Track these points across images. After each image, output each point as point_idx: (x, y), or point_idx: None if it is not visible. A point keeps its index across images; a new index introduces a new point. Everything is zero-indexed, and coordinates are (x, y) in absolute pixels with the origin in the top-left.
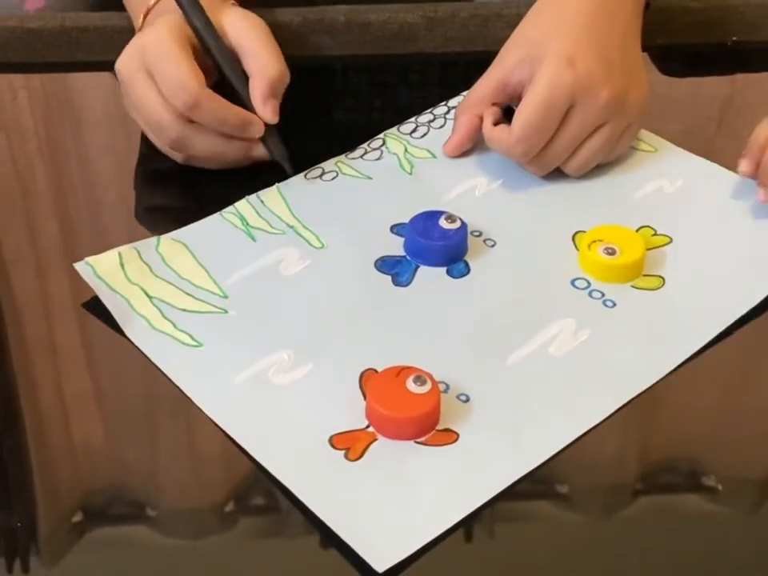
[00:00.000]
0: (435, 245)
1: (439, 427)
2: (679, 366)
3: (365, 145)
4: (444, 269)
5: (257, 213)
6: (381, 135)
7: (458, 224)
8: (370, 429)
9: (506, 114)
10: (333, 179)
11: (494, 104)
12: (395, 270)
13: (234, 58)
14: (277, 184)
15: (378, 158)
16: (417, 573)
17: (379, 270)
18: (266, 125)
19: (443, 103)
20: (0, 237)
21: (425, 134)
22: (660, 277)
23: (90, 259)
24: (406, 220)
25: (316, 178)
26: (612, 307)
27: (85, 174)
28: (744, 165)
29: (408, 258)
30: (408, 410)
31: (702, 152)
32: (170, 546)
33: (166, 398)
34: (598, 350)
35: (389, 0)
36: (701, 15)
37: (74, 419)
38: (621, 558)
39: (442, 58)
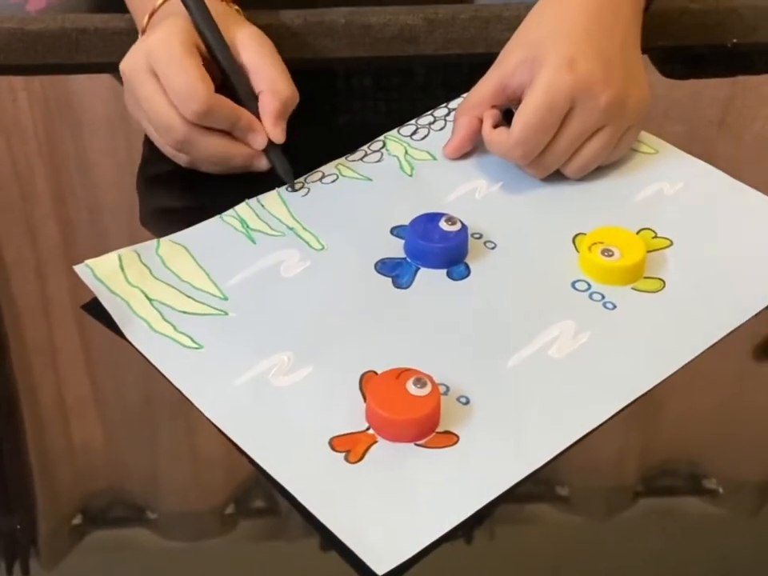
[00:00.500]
0: (435, 247)
1: (439, 429)
2: (679, 369)
3: (365, 147)
4: (444, 271)
5: (257, 215)
6: (381, 137)
7: (458, 226)
8: (370, 431)
9: (506, 117)
10: (333, 182)
11: (493, 106)
12: (395, 272)
13: (243, 73)
14: (277, 188)
15: (379, 160)
16: (417, 575)
17: (379, 272)
18: (271, 141)
19: (443, 105)
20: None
21: (425, 136)
22: (660, 279)
23: (89, 262)
24: (406, 222)
25: (316, 181)
26: (612, 309)
27: (84, 176)
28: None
29: (408, 260)
30: (408, 413)
31: (702, 154)
32: (169, 549)
33: (165, 401)
34: (598, 353)
35: (389, 2)
36: (701, 17)
37: (74, 422)
38: (621, 561)
39: (442, 60)
